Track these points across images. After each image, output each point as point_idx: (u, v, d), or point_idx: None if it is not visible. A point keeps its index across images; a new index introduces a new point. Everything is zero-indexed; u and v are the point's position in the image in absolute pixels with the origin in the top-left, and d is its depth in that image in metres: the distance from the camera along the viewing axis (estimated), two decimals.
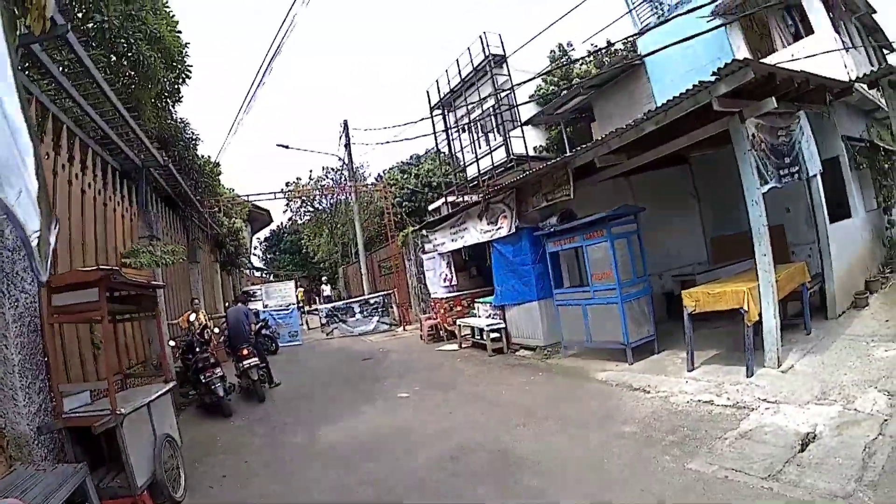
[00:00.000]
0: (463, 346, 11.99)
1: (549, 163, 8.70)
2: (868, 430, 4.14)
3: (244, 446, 6.60)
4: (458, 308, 13.07)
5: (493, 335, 10.62)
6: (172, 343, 8.82)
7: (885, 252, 9.88)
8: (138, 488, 4.33)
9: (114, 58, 7.79)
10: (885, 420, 4.27)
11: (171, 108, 11.21)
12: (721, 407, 5.37)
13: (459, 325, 12.23)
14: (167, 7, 8.91)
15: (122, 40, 7.53)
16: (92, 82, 6.33)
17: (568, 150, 8.35)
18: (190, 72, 10.08)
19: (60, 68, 6.10)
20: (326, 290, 27.03)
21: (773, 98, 5.79)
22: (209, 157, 15.82)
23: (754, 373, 5.91)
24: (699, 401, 5.67)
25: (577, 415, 6.06)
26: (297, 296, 21.32)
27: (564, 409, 6.35)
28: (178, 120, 12.14)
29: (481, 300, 11.92)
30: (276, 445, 6.52)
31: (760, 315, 5.96)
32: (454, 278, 13.49)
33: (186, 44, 9.65)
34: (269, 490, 5.10)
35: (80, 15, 7.37)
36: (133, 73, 8.27)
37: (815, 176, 7.26)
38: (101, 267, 5.07)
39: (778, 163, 6.41)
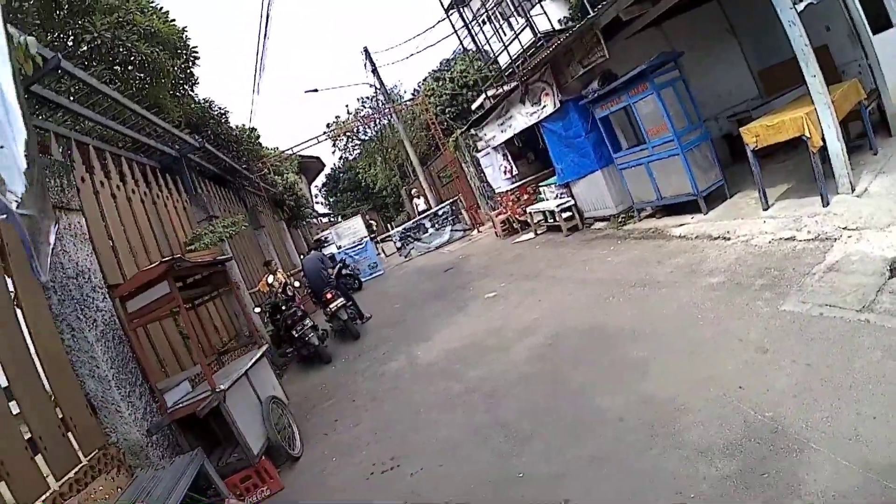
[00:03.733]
0: (538, 232, 11.97)
1: (574, 28, 8.12)
2: None
3: (349, 386, 6.85)
4: (525, 196, 12.85)
5: (564, 214, 10.51)
6: (258, 309, 9.23)
7: None
8: (255, 456, 4.60)
9: (118, 68, 7.86)
10: None
11: (190, 92, 11.20)
12: (804, 242, 5.16)
13: (530, 213, 12.13)
14: (152, 3, 8.84)
15: (120, 48, 7.54)
16: (105, 97, 6.38)
17: (591, 13, 7.70)
18: (197, 54, 10.00)
19: (70, 97, 6.18)
20: (420, 203, 24.31)
21: None
22: (243, 125, 15.95)
23: (830, 201, 5.56)
24: (781, 238, 5.47)
25: (663, 275, 5.94)
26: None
27: (650, 271, 6.26)
28: (202, 101, 12.21)
29: (545, 183, 11.69)
30: (378, 377, 6.74)
31: (824, 140, 5.51)
32: (514, 168, 13.25)
33: (184, 28, 9.53)
34: (381, 420, 5.32)
35: (70, 42, 7.45)
36: (142, 74, 8.37)
37: None
38: (163, 259, 5.21)
39: None
